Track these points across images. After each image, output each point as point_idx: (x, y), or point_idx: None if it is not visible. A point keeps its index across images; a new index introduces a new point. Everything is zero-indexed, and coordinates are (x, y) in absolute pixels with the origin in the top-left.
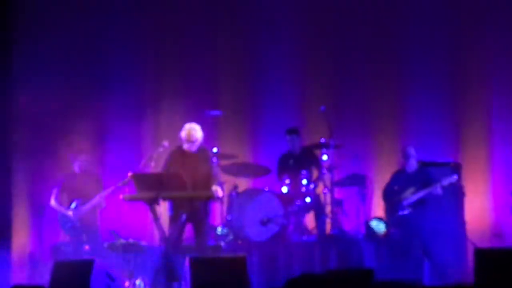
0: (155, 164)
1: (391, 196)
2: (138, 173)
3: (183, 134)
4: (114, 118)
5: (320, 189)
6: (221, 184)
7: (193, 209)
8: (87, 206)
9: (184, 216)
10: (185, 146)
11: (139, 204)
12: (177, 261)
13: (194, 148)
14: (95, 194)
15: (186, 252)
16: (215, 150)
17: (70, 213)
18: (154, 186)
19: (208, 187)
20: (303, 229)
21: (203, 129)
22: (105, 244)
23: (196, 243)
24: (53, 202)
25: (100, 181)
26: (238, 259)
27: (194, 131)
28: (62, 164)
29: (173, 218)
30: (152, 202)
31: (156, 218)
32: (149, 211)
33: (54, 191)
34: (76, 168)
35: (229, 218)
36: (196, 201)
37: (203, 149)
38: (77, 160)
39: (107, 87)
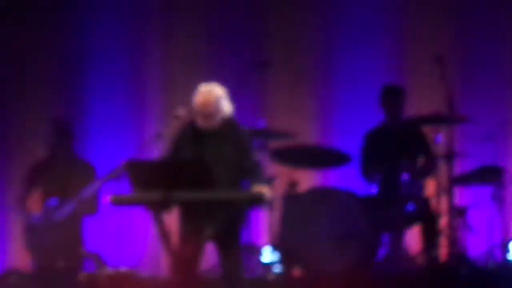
0: (166, 146)
1: None
2: (137, 161)
3: (195, 102)
4: (104, 79)
5: (431, 189)
6: (269, 181)
7: (221, 221)
8: (69, 207)
9: (208, 232)
10: (200, 122)
11: (138, 211)
12: None
13: (213, 123)
14: (80, 191)
15: None
16: (260, 125)
17: (39, 223)
18: (162, 181)
19: (240, 185)
20: (403, 254)
21: (239, 92)
22: (81, 276)
23: (225, 273)
24: (14, 203)
25: (92, 172)
26: None
27: (212, 96)
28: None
29: (189, 234)
30: (159, 208)
31: (164, 234)
32: (153, 222)
33: (18, 187)
34: (57, 148)
35: (283, 234)
36: (227, 208)
37: (231, 125)
38: (59, 135)
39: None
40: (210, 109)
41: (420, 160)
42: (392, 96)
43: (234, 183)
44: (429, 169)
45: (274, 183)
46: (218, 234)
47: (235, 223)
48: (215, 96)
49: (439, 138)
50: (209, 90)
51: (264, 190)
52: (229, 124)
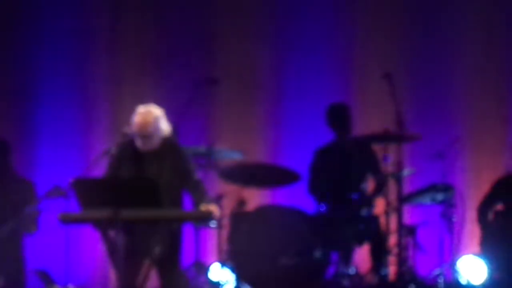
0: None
1: (496, 220)
2: (84, 179)
3: (134, 123)
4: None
5: (380, 208)
6: (217, 199)
7: (165, 239)
8: (8, 226)
9: (157, 250)
10: (138, 143)
11: (85, 229)
12: None
13: (151, 144)
14: (19, 209)
15: None
16: (208, 142)
17: None
18: (110, 199)
19: (180, 206)
20: (352, 274)
21: (186, 109)
22: None
23: None
24: None
25: (31, 189)
26: None
27: (150, 117)
28: None
29: (134, 253)
30: (106, 226)
31: (112, 251)
32: (101, 239)
33: None
34: None
35: (231, 252)
36: (171, 227)
37: (169, 145)
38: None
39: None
40: (148, 130)
41: (370, 178)
42: (338, 115)
43: (174, 204)
44: (378, 188)
45: (222, 201)
46: (160, 255)
47: (175, 243)
48: (153, 117)
49: (388, 157)
50: (147, 111)
51: (212, 208)
52: (167, 144)
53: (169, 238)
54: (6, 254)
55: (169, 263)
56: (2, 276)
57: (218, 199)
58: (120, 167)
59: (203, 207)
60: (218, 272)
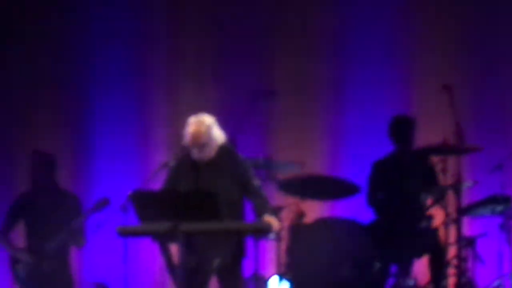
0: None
1: None
2: (142, 191)
3: (187, 131)
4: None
5: (439, 220)
6: (276, 211)
7: (227, 252)
8: (55, 242)
9: (216, 263)
10: (194, 153)
11: (144, 242)
12: None
13: (206, 153)
14: (67, 223)
15: None
16: (267, 154)
17: (25, 256)
18: (169, 212)
19: (240, 216)
20: (411, 286)
21: (245, 120)
22: None
23: None
24: (0, 234)
25: (77, 204)
26: None
27: (202, 126)
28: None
29: (194, 266)
30: (166, 239)
31: (172, 266)
32: (160, 253)
33: (4, 217)
34: (40, 180)
35: (290, 265)
36: (232, 239)
37: (227, 153)
38: (44, 168)
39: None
40: (202, 140)
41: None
42: (403, 127)
43: (234, 213)
44: (437, 200)
45: (281, 214)
46: (222, 266)
47: (237, 255)
48: (205, 126)
49: (448, 168)
50: (198, 121)
51: (272, 220)
52: (223, 152)
53: (230, 250)
54: (56, 269)
55: (230, 275)
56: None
57: (277, 211)
58: (178, 179)
59: (265, 218)
60: (277, 285)
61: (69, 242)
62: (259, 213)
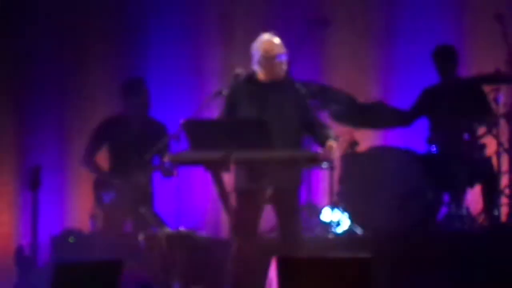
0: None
1: None
2: (195, 120)
3: (258, 48)
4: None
5: (492, 149)
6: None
7: (280, 181)
8: (144, 174)
9: (269, 192)
10: (262, 73)
11: (196, 171)
12: (257, 263)
13: (278, 72)
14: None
15: (271, 250)
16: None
17: (113, 179)
18: (221, 140)
19: (300, 142)
20: (464, 215)
21: (298, 49)
22: (140, 236)
23: (283, 234)
24: (81, 159)
25: (164, 131)
26: (360, 262)
27: (277, 41)
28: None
29: (247, 194)
30: (219, 167)
31: (224, 194)
32: (212, 182)
33: (88, 141)
34: (128, 106)
35: (342, 194)
36: (286, 168)
37: (291, 80)
38: (133, 92)
39: None
40: (276, 53)
41: (481, 120)
42: (444, 57)
43: (294, 140)
44: (489, 129)
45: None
46: (278, 194)
47: (294, 183)
48: (279, 41)
49: (500, 98)
50: (270, 37)
51: (334, 147)
52: (289, 79)
53: (285, 179)
54: (139, 197)
55: (288, 206)
56: (130, 217)
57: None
58: (236, 106)
59: (328, 143)
60: (330, 214)
61: (161, 172)
62: (322, 142)
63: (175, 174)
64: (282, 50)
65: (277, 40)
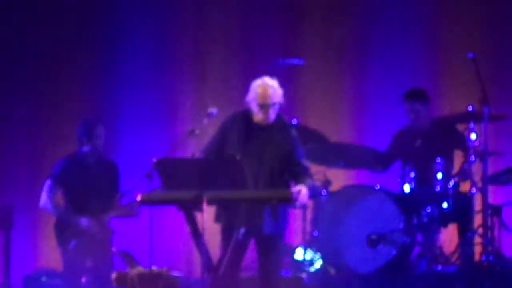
0: (197, 144)
1: None
2: (168, 159)
3: (255, 92)
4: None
5: (465, 188)
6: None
7: (257, 220)
8: (111, 213)
9: (242, 231)
10: (258, 115)
11: (169, 210)
12: None
13: (271, 116)
14: (109, 192)
15: None
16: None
17: (84, 222)
18: (194, 180)
19: (282, 184)
20: (437, 254)
21: None
22: (113, 275)
23: (261, 274)
24: (45, 201)
25: (116, 171)
26: None
27: (272, 86)
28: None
29: (225, 234)
30: (191, 207)
31: (197, 234)
32: (185, 221)
33: (47, 183)
34: (85, 147)
35: (316, 234)
36: (263, 207)
37: (282, 121)
38: (90, 134)
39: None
40: (271, 100)
41: (454, 159)
42: (416, 99)
43: (277, 181)
44: (463, 168)
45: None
46: (255, 234)
47: (273, 222)
48: (274, 86)
49: (473, 136)
50: (266, 82)
51: (302, 189)
52: (281, 120)
53: (263, 220)
54: (102, 245)
55: (268, 245)
56: (93, 257)
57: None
58: (225, 138)
59: (296, 187)
60: (303, 254)
61: (125, 214)
62: (299, 181)
63: (136, 214)
64: (277, 98)
65: (273, 84)
